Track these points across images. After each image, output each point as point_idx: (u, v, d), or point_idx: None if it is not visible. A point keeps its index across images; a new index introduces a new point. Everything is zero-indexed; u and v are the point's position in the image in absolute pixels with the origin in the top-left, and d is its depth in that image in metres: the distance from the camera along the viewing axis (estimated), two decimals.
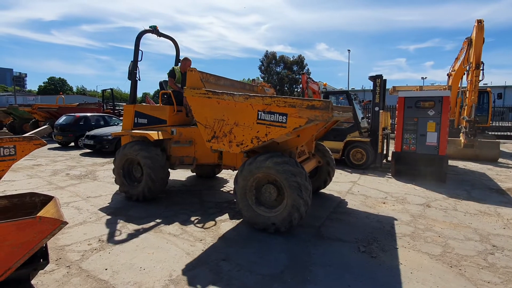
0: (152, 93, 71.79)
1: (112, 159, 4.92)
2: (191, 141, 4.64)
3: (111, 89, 18.45)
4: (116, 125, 11.83)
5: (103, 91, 19.28)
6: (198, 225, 3.78)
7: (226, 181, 6.10)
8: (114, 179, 4.88)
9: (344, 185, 5.83)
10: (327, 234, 3.53)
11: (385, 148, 7.77)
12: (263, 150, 3.67)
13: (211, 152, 4.27)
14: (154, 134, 4.41)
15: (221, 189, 5.55)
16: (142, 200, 4.58)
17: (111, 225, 3.73)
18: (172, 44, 5.95)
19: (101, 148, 9.50)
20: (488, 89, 12.46)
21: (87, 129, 10.66)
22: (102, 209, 4.30)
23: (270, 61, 51.07)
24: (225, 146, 3.66)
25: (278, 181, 3.40)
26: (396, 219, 4.00)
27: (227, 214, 4.18)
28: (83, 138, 10.11)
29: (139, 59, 5.01)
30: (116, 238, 3.35)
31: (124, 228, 3.65)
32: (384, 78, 7.84)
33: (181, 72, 5.23)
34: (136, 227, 3.68)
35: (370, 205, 4.62)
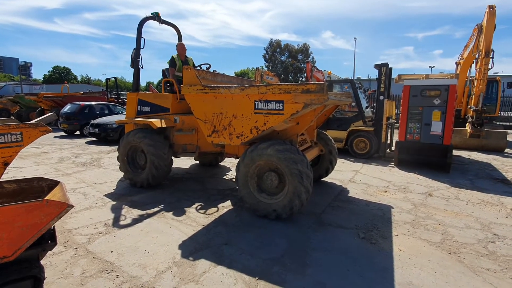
0: (156, 82, 71.76)
1: (117, 147, 4.99)
2: (194, 129, 4.66)
3: (115, 78, 18.44)
4: (120, 113, 11.91)
5: (107, 80, 19.27)
6: (200, 211, 3.85)
7: (228, 169, 6.16)
8: (118, 166, 4.97)
9: (346, 173, 5.84)
10: (328, 221, 3.57)
11: (389, 137, 7.72)
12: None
13: None
14: (157, 122, 4.44)
15: (224, 177, 5.62)
16: (147, 187, 4.67)
17: (116, 210, 3.83)
18: (175, 31, 5.91)
19: (105, 136, 9.61)
20: (497, 78, 12.18)
21: (92, 118, 10.77)
22: (107, 195, 4.40)
23: (274, 50, 50.38)
24: (225, 139, 3.73)
25: (280, 169, 3.43)
26: (397, 207, 4.02)
27: (229, 201, 4.24)
28: (88, 126, 10.23)
29: (142, 46, 4.99)
30: (121, 223, 3.44)
31: (129, 213, 3.74)
32: (390, 66, 7.72)
33: (181, 60, 5.22)
34: (140, 212, 3.77)
35: (371, 193, 4.64)
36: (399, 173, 5.99)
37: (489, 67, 8.17)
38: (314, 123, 4.71)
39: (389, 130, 7.66)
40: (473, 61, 9.37)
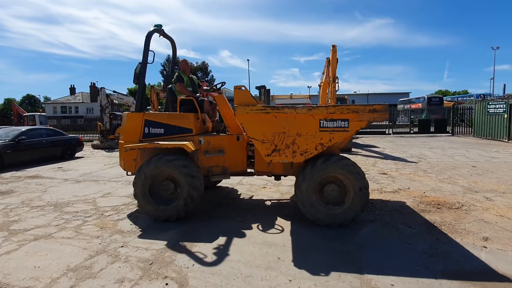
0: (18, 99, 58.93)
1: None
2: (221, 150, 4.37)
3: None
4: None
5: None
6: (94, 226, 3.98)
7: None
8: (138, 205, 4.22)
9: (235, 178, 6.85)
10: (216, 214, 4.37)
11: None
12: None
13: (239, 160, 4.43)
14: (190, 144, 4.03)
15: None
16: (183, 217, 4.07)
17: None
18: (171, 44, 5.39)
19: None
20: (345, 96, 16.19)
21: None
22: None
23: None
24: (288, 157, 3.77)
25: (342, 180, 3.74)
26: (270, 198, 5.20)
27: (125, 214, 4.48)
28: None
29: (151, 61, 4.51)
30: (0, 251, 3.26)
31: (7, 241, 3.52)
32: (268, 88, 9.46)
33: (187, 76, 5.00)
34: (22, 237, 3.60)
35: (253, 190, 5.74)
36: None
37: (336, 89, 11.05)
38: None
39: None
40: (328, 85, 12.35)
